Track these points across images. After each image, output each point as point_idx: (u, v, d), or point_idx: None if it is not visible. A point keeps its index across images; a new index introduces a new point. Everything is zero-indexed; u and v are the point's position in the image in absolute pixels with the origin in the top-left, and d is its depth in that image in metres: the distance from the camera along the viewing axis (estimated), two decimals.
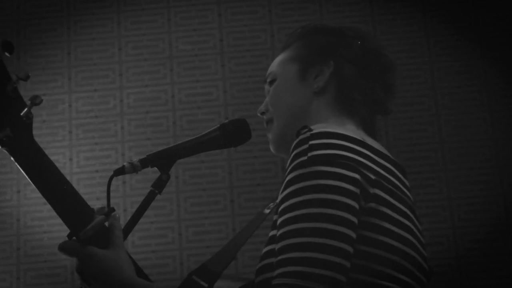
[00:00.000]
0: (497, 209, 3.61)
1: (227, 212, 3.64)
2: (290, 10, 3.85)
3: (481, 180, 3.64)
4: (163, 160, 1.51)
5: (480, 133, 3.69)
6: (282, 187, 1.27)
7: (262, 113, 1.58)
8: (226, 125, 1.57)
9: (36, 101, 1.22)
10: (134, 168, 1.49)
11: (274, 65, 1.59)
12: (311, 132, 1.27)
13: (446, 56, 3.77)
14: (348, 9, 3.84)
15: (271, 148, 1.57)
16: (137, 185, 3.66)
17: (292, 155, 1.27)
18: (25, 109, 1.22)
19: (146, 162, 1.51)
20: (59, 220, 1.31)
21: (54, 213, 1.30)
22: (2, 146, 1.22)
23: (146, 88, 3.79)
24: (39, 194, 1.28)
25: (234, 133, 1.57)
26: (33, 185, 1.28)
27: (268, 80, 1.58)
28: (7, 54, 1.18)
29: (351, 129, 1.40)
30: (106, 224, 1.35)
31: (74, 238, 1.33)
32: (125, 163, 1.50)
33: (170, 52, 3.83)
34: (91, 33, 3.85)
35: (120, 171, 1.49)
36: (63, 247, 1.32)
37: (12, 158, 1.25)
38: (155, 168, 1.52)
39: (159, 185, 1.50)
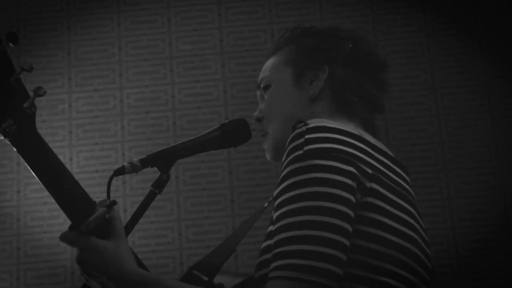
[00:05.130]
0: (497, 209, 3.61)
1: (227, 212, 3.64)
2: (290, 10, 3.85)
3: (481, 180, 3.64)
4: (163, 160, 1.52)
5: (480, 133, 3.69)
6: (278, 182, 1.27)
7: (258, 120, 1.56)
8: (226, 125, 1.57)
9: (39, 92, 1.21)
10: (134, 168, 1.50)
11: (267, 70, 1.56)
12: (307, 127, 1.27)
13: (446, 56, 3.77)
14: (348, 9, 3.84)
15: (268, 157, 1.55)
16: (137, 185, 3.66)
17: (288, 149, 1.27)
18: (28, 100, 1.22)
19: (146, 162, 1.51)
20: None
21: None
22: (4, 137, 1.22)
23: (146, 88, 3.79)
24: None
25: (234, 133, 1.57)
26: (35, 179, 1.27)
27: (262, 85, 1.56)
28: (11, 44, 1.17)
29: (349, 127, 1.39)
30: (107, 216, 1.35)
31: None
32: (125, 163, 1.51)
33: (170, 52, 3.83)
34: (91, 33, 3.85)
35: (120, 171, 1.50)
36: (63, 237, 1.32)
37: (14, 149, 1.25)
38: (155, 168, 1.53)
39: (159, 185, 1.50)
